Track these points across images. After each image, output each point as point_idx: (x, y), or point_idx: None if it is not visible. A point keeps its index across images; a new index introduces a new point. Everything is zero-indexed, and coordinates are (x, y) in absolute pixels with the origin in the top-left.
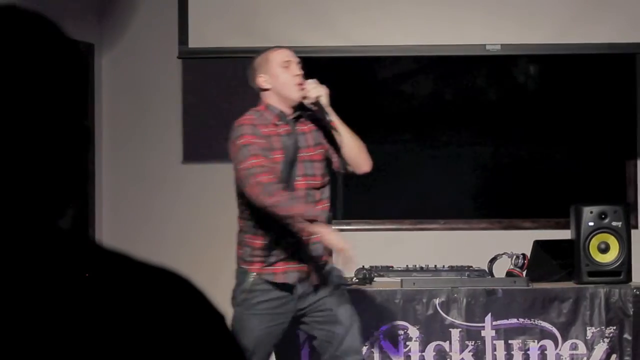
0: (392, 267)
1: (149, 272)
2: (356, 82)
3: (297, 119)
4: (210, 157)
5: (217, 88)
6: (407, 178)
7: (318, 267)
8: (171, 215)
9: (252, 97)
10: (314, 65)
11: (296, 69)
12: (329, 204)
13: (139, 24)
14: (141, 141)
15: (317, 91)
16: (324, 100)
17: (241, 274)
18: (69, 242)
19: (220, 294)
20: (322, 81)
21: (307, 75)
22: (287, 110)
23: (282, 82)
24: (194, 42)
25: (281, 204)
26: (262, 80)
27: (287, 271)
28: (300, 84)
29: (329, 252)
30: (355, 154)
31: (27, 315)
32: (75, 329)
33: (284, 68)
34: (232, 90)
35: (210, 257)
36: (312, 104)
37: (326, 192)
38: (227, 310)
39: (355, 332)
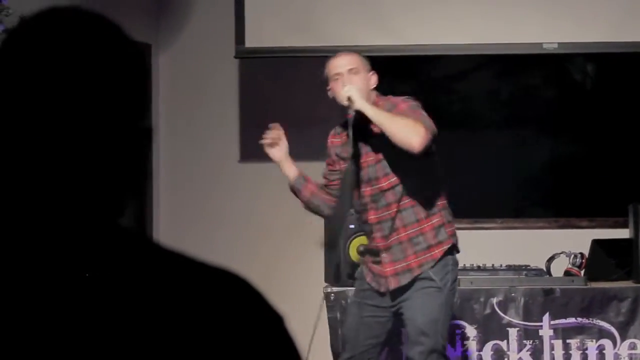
0: None
1: (208, 272)
2: (412, 80)
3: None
4: (267, 156)
5: (274, 87)
6: (464, 177)
7: (396, 272)
8: (228, 214)
9: (309, 95)
10: (370, 63)
11: (347, 80)
12: (405, 202)
13: (195, 24)
14: (198, 140)
15: (345, 92)
16: (355, 98)
17: None
18: (129, 241)
19: (275, 293)
20: (378, 79)
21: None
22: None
23: (336, 95)
24: (250, 42)
25: None
26: (329, 93)
27: (373, 273)
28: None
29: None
30: (395, 135)
31: (91, 313)
32: (136, 329)
33: (335, 81)
34: (289, 89)
35: (266, 257)
36: (348, 106)
37: (397, 193)
38: (285, 311)
39: (417, 341)
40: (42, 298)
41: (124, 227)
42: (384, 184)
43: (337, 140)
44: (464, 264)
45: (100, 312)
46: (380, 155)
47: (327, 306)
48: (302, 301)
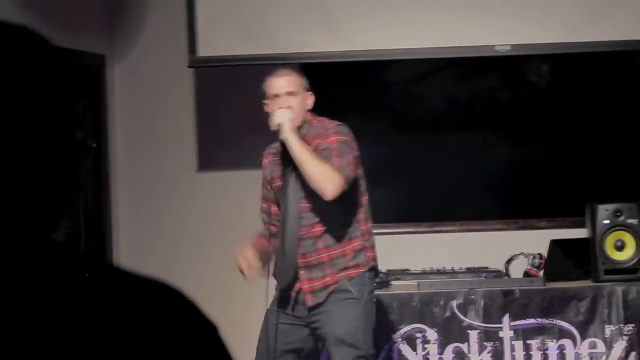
0: (409, 270)
1: (139, 283)
2: (368, 86)
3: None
4: (226, 165)
5: (230, 96)
6: (422, 180)
7: (313, 290)
8: (188, 224)
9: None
10: (325, 70)
11: (284, 102)
12: (328, 224)
13: (149, 34)
14: (156, 150)
15: (278, 118)
16: (285, 127)
17: None
18: (62, 255)
19: (236, 302)
20: (333, 86)
21: (318, 81)
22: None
23: (270, 114)
24: (203, 51)
25: None
26: (266, 107)
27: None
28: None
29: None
30: (311, 179)
31: (22, 326)
32: (67, 342)
33: (272, 100)
34: (245, 97)
35: (227, 266)
36: (277, 131)
37: (321, 214)
38: (247, 319)
39: (338, 351)
40: None
41: (56, 241)
42: (309, 205)
43: (266, 162)
44: (424, 268)
45: (30, 326)
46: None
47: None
48: (263, 310)
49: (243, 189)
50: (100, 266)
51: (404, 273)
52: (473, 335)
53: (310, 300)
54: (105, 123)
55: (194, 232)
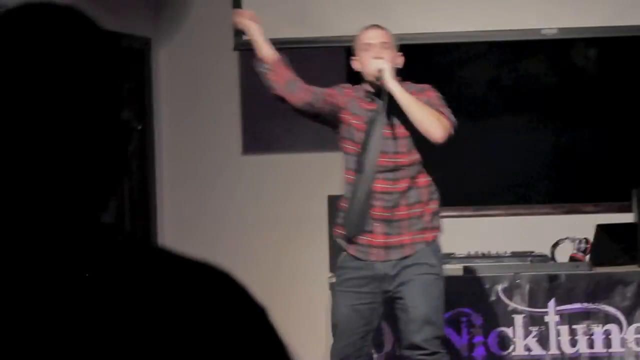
0: (454, 254)
1: (188, 265)
2: (413, 70)
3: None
4: (270, 148)
5: None
6: (468, 165)
7: (389, 245)
8: (231, 208)
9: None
10: None
11: (378, 52)
12: (415, 182)
13: (194, 17)
14: (201, 133)
15: (377, 65)
16: (386, 74)
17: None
18: (111, 236)
19: (281, 285)
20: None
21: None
22: (373, 91)
23: (363, 65)
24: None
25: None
26: (353, 64)
27: (361, 244)
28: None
29: (416, 233)
30: (421, 123)
31: (70, 308)
32: (115, 323)
33: (365, 51)
34: None
35: (271, 249)
36: (377, 78)
37: (412, 171)
38: (291, 301)
39: (419, 328)
40: (24, 297)
41: (105, 223)
42: (404, 160)
43: (356, 97)
44: (469, 252)
45: (79, 310)
46: (408, 132)
47: (332, 296)
48: (307, 291)
49: (288, 173)
50: (148, 248)
51: (449, 257)
52: (518, 319)
53: (383, 256)
54: (150, 106)
55: (238, 215)
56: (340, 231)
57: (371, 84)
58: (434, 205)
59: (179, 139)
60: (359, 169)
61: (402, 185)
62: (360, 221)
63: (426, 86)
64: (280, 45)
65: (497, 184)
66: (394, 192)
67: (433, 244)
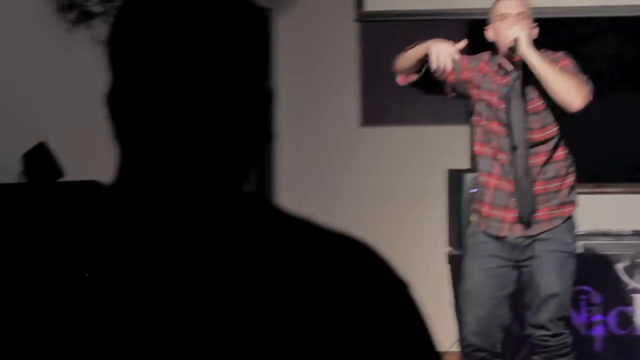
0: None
1: (331, 238)
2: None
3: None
4: (388, 120)
5: (395, 51)
6: (586, 141)
7: (527, 220)
8: (348, 179)
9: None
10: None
11: (514, 21)
12: (551, 156)
13: None
14: (318, 105)
15: (514, 33)
16: (523, 42)
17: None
18: (253, 206)
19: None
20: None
21: (480, 39)
22: (508, 64)
23: (498, 35)
24: (370, 5)
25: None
26: (488, 34)
27: (490, 218)
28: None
29: (553, 209)
30: (560, 92)
31: (213, 278)
32: (257, 295)
33: (500, 20)
34: None
35: (388, 222)
36: (512, 49)
37: (548, 145)
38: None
39: (547, 307)
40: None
41: (248, 192)
42: (539, 136)
43: (490, 70)
44: (589, 229)
45: (224, 278)
46: (542, 106)
47: (451, 269)
48: (425, 265)
49: (406, 146)
50: (291, 218)
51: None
52: (638, 299)
53: (520, 231)
54: (270, 74)
55: (355, 188)
56: (481, 209)
57: (506, 56)
58: (571, 179)
59: (298, 109)
60: (504, 147)
61: (538, 159)
62: (532, 200)
63: (560, 54)
64: (404, 17)
65: (619, 160)
66: (530, 167)
67: (569, 220)
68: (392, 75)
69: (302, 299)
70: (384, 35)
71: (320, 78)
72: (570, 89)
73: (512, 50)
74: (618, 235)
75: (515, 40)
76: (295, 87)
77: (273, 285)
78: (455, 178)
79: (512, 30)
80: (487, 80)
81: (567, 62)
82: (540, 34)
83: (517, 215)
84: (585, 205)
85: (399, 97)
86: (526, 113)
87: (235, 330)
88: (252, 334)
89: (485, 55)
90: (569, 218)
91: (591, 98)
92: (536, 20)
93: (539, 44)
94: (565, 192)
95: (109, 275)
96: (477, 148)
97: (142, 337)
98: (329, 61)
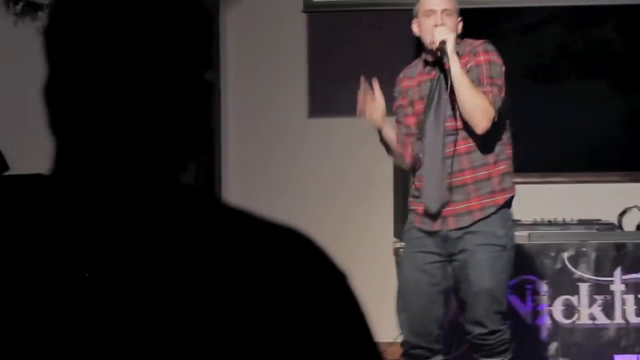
0: (520, 220)
1: (269, 230)
2: (480, 35)
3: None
4: (336, 111)
5: (342, 42)
6: (533, 130)
7: (456, 212)
8: (296, 171)
9: (376, 50)
10: None
11: (438, 19)
12: (476, 144)
13: None
14: (266, 96)
15: (441, 36)
16: (449, 47)
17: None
18: (191, 198)
19: (345, 250)
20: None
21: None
22: (431, 59)
23: (422, 30)
24: None
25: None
26: (413, 27)
27: (421, 215)
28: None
29: (478, 200)
30: (467, 112)
31: (147, 269)
32: (194, 287)
33: (426, 17)
34: (358, 44)
35: (335, 213)
36: (438, 50)
37: (471, 133)
38: (355, 267)
39: (480, 303)
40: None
41: (185, 185)
42: (455, 122)
43: (412, 83)
44: (535, 219)
45: (155, 270)
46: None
47: (397, 261)
48: (372, 257)
49: (354, 136)
50: (228, 210)
51: (515, 223)
52: (583, 288)
53: (453, 224)
54: (217, 66)
55: (303, 179)
56: (414, 207)
57: (430, 51)
58: (503, 166)
59: (245, 100)
60: (421, 135)
61: (462, 147)
62: (440, 193)
63: (479, 45)
64: (349, 7)
65: (565, 150)
66: (455, 155)
67: (503, 210)
68: (340, 66)
69: (236, 291)
70: (331, 26)
71: (268, 69)
72: (477, 111)
73: (439, 51)
74: (563, 225)
75: (441, 43)
76: (242, 79)
77: (205, 277)
78: (402, 170)
79: (439, 32)
80: (413, 92)
81: (484, 58)
82: (483, 23)
83: (452, 207)
84: (531, 194)
85: (347, 88)
86: (445, 102)
87: (165, 323)
88: (181, 329)
89: (403, 72)
90: (503, 207)
91: (495, 119)
92: (477, 10)
93: (484, 35)
94: (496, 179)
95: (39, 269)
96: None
97: (66, 330)
98: (277, 52)
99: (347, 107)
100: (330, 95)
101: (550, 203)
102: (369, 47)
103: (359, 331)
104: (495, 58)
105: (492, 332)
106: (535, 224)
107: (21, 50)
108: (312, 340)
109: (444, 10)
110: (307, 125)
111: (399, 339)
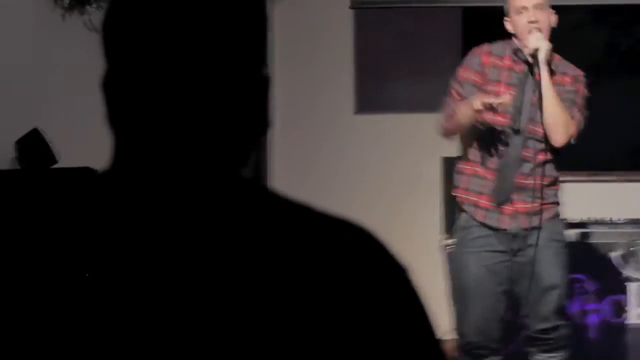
0: (567, 219)
1: (331, 222)
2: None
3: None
4: (383, 108)
5: (389, 38)
6: (583, 129)
7: (528, 211)
8: (342, 167)
9: (425, 46)
10: (484, 17)
11: (531, 15)
12: (552, 155)
13: None
14: (313, 92)
15: (536, 43)
16: (541, 56)
17: (458, 209)
18: (251, 192)
19: (392, 246)
20: (488, 32)
21: (475, 27)
22: (525, 54)
23: (516, 28)
24: None
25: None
26: (507, 24)
27: (489, 209)
28: (530, 32)
29: (546, 199)
30: (550, 122)
31: (210, 265)
32: (255, 282)
33: (519, 14)
34: (406, 41)
35: (381, 211)
36: (531, 56)
37: (549, 143)
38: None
39: (548, 298)
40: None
41: (246, 178)
42: (541, 131)
43: (498, 62)
44: (583, 217)
45: (222, 265)
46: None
47: (449, 257)
48: (419, 254)
49: (401, 133)
50: (290, 204)
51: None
52: (632, 287)
53: (525, 222)
54: (267, 60)
55: (350, 175)
56: (474, 198)
57: (524, 47)
58: (558, 181)
59: (292, 97)
60: (505, 135)
61: (541, 157)
62: (509, 189)
63: (581, 76)
64: (399, 4)
65: (614, 149)
66: (531, 160)
67: (559, 218)
68: (387, 62)
69: (301, 283)
70: (379, 23)
71: (315, 65)
72: (560, 125)
73: (532, 57)
74: (613, 224)
75: (536, 50)
76: (290, 75)
77: (271, 270)
78: (449, 166)
79: (534, 39)
80: (495, 71)
81: (580, 88)
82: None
83: (525, 204)
84: (580, 193)
85: (394, 85)
86: (535, 105)
87: (233, 317)
88: (250, 321)
89: (482, 49)
90: (559, 215)
91: (573, 140)
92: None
93: None
94: (556, 191)
95: (103, 264)
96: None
97: (138, 327)
98: (324, 48)
99: (394, 103)
100: (377, 92)
101: (599, 202)
102: (415, 43)
103: (422, 323)
104: (586, 90)
105: (555, 328)
106: (584, 223)
107: (69, 45)
108: (375, 334)
109: (535, 5)
110: (353, 122)
111: (450, 336)
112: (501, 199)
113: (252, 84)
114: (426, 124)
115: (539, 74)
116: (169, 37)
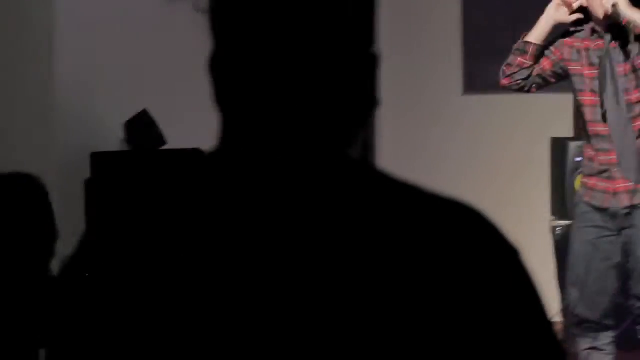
0: None
1: (441, 202)
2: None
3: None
4: (491, 88)
5: (497, 17)
6: None
7: (628, 190)
8: (450, 148)
9: (531, 27)
10: None
11: None
12: None
13: None
14: (421, 72)
15: (605, 4)
16: (621, 6)
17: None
18: (360, 172)
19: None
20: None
21: None
22: (599, 29)
23: (591, 2)
24: None
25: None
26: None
27: (594, 189)
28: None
29: None
30: None
31: (316, 243)
32: (366, 261)
33: None
34: (515, 19)
35: (490, 192)
36: (612, 16)
37: None
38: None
39: None
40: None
41: (354, 158)
42: (634, 97)
43: (579, 44)
44: None
45: (331, 244)
46: (629, 66)
47: (554, 240)
48: (529, 235)
49: (510, 114)
50: (399, 184)
51: None
52: None
53: (626, 201)
54: (375, 38)
55: (458, 156)
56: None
57: (599, 21)
58: None
59: (400, 77)
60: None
61: (636, 124)
62: (638, 164)
63: None
64: None
65: None
66: (634, 130)
67: None
68: (496, 42)
69: (412, 264)
70: (487, 2)
71: (423, 45)
72: None
73: (613, 17)
74: None
75: (614, 6)
76: (397, 54)
77: (381, 252)
78: (559, 146)
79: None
80: (577, 53)
81: None
82: None
83: (625, 183)
84: None
85: (502, 65)
86: (619, 76)
87: (339, 296)
88: (358, 305)
89: (565, 33)
90: None
91: None
92: None
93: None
94: None
95: (212, 244)
96: (588, 126)
97: (247, 307)
98: (432, 28)
99: None
100: (485, 72)
101: None
102: (525, 22)
103: (534, 305)
104: None
105: None
106: None
107: (176, 27)
108: (487, 316)
109: None
110: (462, 102)
111: (557, 318)
112: (635, 178)
113: (360, 62)
114: (535, 104)
115: (625, 20)
116: (276, 16)
